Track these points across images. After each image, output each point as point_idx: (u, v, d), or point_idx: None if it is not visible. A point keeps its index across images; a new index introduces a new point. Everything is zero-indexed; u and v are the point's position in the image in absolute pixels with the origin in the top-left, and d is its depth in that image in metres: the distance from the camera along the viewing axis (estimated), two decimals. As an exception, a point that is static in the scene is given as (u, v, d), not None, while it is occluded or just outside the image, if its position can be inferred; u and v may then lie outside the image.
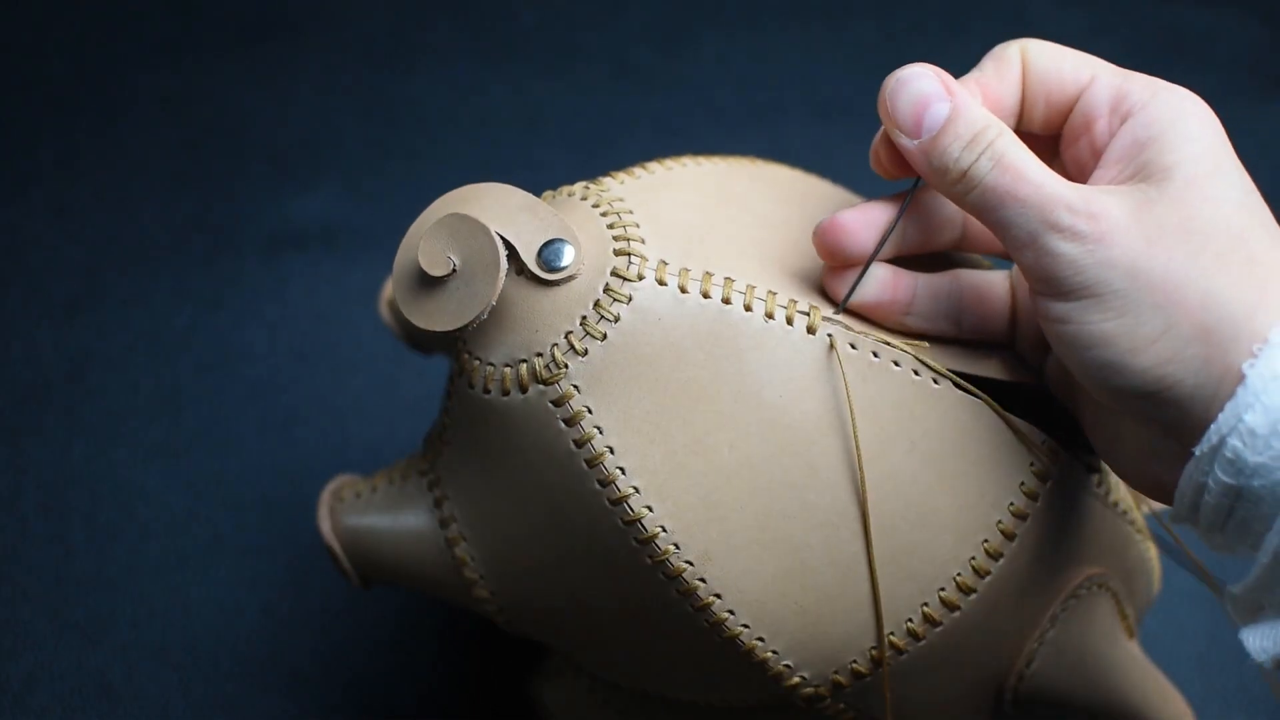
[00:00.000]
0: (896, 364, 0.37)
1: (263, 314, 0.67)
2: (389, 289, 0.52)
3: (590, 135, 0.77)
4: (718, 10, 0.85)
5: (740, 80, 0.81)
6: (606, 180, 0.40)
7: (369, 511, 0.43)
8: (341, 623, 0.56)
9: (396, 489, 0.43)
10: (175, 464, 0.61)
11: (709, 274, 0.37)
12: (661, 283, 0.37)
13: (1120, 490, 0.43)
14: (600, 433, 0.36)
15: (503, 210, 0.37)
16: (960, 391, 0.37)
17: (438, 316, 0.37)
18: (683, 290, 0.37)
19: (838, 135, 0.76)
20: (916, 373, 0.37)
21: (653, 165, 0.41)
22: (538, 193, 0.40)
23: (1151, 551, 0.45)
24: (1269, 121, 0.77)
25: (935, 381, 0.37)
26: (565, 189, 0.40)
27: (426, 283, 0.37)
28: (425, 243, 0.37)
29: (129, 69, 0.80)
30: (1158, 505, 0.48)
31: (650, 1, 0.85)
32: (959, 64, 0.38)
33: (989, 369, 0.39)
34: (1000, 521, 0.37)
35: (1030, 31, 0.40)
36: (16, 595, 0.56)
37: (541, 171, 0.75)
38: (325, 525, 0.43)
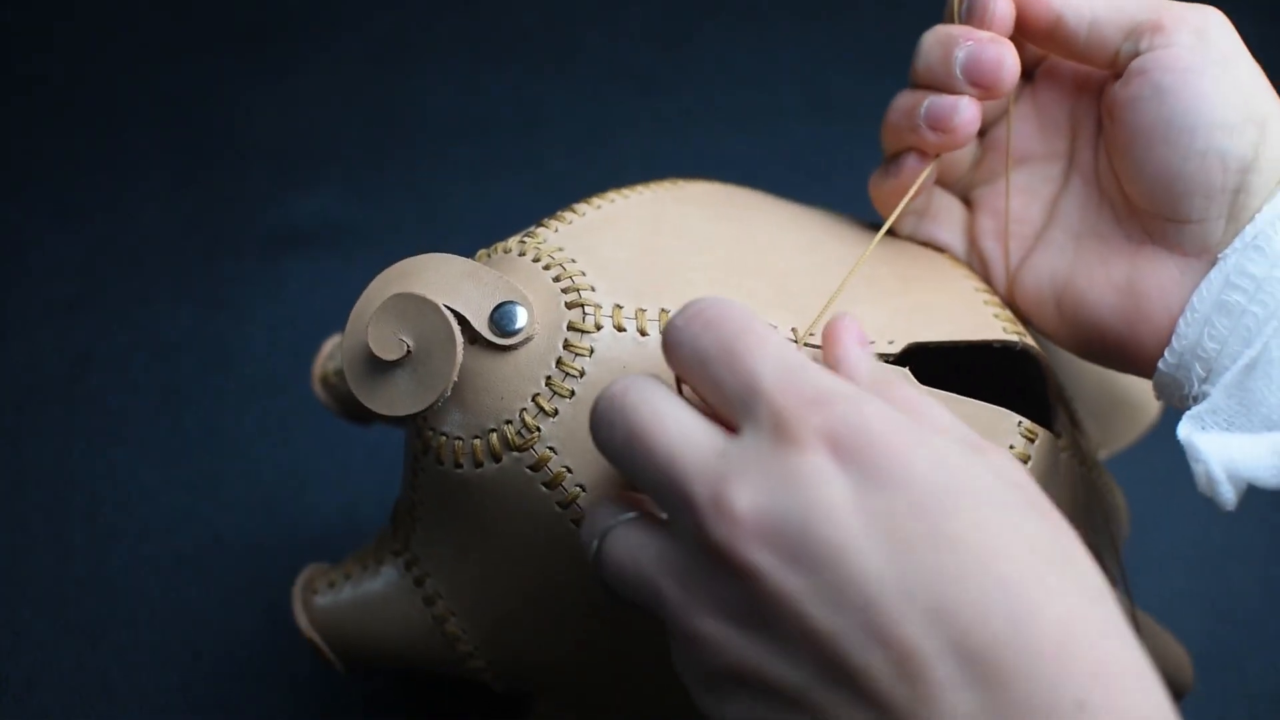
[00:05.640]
0: None
1: (263, 314, 0.67)
2: (319, 366, 0.50)
3: (590, 135, 0.77)
4: (718, 10, 0.85)
5: (740, 80, 0.81)
6: (541, 230, 0.39)
7: (346, 600, 0.42)
8: (341, 623, 0.56)
9: (371, 574, 0.42)
10: (175, 464, 0.61)
11: (664, 311, 0.37)
12: (620, 329, 0.36)
13: (1081, 446, 0.44)
14: (583, 490, 0.36)
15: (446, 281, 0.36)
16: (927, 389, 0.37)
17: (398, 401, 0.36)
18: (642, 333, 0.36)
19: (838, 135, 0.76)
20: None
21: (581, 207, 0.40)
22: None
23: (1120, 498, 0.46)
24: (1269, 121, 0.77)
25: None
26: (500, 245, 0.39)
27: (379, 367, 0.36)
28: (374, 328, 0.36)
29: (129, 69, 0.80)
30: (1118, 447, 0.50)
31: (650, 1, 0.85)
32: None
33: (950, 331, 0.39)
34: None
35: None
36: (16, 595, 0.56)
37: (541, 171, 0.75)
38: (303, 620, 0.42)
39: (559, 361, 0.36)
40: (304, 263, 0.70)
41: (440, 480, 0.38)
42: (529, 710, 0.49)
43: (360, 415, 0.50)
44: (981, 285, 0.42)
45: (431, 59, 0.81)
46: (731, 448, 0.29)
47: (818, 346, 0.37)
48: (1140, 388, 0.50)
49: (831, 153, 0.75)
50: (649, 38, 0.83)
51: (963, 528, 0.27)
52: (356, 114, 0.78)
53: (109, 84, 0.79)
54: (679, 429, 0.30)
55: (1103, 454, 0.49)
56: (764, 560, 0.28)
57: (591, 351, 0.36)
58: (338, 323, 0.67)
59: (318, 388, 0.50)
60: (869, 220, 0.45)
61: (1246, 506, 0.60)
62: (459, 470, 0.37)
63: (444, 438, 0.37)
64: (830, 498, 0.28)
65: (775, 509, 0.28)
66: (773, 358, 0.30)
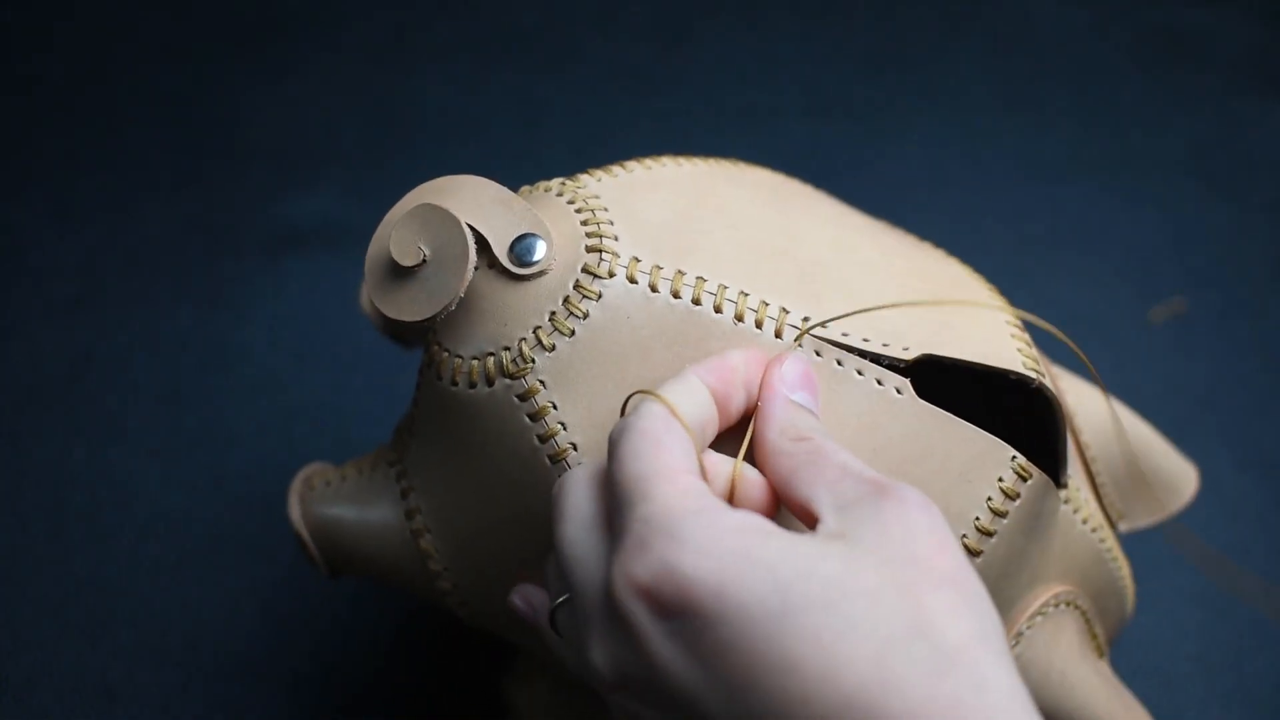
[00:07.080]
0: (860, 373, 0.37)
1: (263, 314, 0.67)
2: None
3: (590, 135, 0.77)
4: (717, 10, 0.85)
5: (740, 80, 0.81)
6: (584, 177, 0.40)
7: (338, 500, 0.44)
8: (341, 623, 0.56)
9: (365, 478, 0.43)
10: (175, 464, 0.61)
11: (681, 273, 0.37)
12: (632, 280, 0.37)
13: (1090, 508, 0.43)
14: (564, 429, 0.37)
15: (476, 202, 0.37)
16: (925, 403, 0.37)
17: (406, 306, 0.37)
18: (653, 289, 0.37)
19: (838, 135, 0.76)
20: (880, 382, 0.37)
21: (632, 164, 0.41)
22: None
23: (1124, 570, 0.45)
24: (1269, 121, 0.77)
25: (899, 391, 0.37)
26: (543, 184, 0.40)
27: (398, 272, 0.37)
28: (397, 232, 0.37)
29: (129, 69, 0.80)
30: (1139, 523, 0.48)
31: (650, 1, 0.85)
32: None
33: (968, 353, 0.38)
34: (965, 536, 0.37)
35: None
36: (16, 595, 0.56)
37: (541, 171, 0.75)
38: (295, 513, 0.44)
39: (566, 300, 0.37)
40: (304, 263, 0.70)
41: (437, 395, 0.39)
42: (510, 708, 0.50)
43: (399, 335, 0.52)
44: (1013, 320, 0.41)
45: (431, 59, 0.81)
46: (595, 604, 0.32)
47: (827, 340, 0.37)
48: (1175, 469, 0.48)
49: (831, 153, 0.75)
50: (649, 38, 0.83)
51: (799, 649, 0.28)
52: (356, 114, 0.78)
53: (109, 84, 0.79)
54: (572, 543, 0.33)
55: (1124, 526, 0.47)
56: (628, 703, 0.31)
57: (600, 296, 0.37)
58: (338, 322, 0.67)
59: (365, 302, 0.52)
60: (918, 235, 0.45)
61: (1246, 506, 0.60)
62: (454, 388, 0.38)
63: (447, 354, 0.38)
64: (663, 654, 0.29)
65: (625, 666, 0.30)
66: (627, 492, 0.31)
